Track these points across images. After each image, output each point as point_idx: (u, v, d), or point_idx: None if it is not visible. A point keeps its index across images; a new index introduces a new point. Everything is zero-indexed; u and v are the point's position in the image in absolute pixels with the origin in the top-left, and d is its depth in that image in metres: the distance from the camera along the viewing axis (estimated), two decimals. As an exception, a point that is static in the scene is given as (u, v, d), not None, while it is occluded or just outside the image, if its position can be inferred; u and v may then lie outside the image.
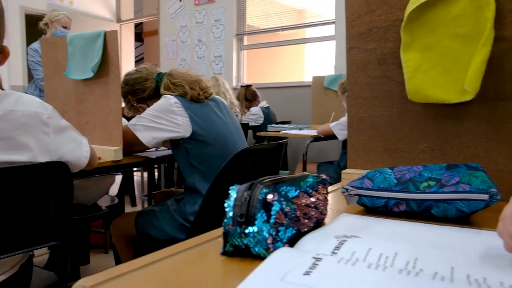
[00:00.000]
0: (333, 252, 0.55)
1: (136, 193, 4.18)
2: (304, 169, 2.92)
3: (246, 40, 5.41)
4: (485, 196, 0.68)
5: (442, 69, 0.90)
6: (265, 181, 0.60)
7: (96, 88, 1.68)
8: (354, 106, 1.07)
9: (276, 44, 5.25)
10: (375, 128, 1.04)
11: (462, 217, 0.72)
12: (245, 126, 3.62)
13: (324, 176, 0.74)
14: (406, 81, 0.94)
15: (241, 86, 4.31)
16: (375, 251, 0.56)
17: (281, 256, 0.50)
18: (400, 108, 1.00)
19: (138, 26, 8.36)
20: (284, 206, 0.58)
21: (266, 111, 4.11)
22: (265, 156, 1.71)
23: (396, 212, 0.77)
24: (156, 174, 4.17)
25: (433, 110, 0.96)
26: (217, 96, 1.85)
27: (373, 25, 1.01)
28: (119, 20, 6.85)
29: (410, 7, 0.91)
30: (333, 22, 4.47)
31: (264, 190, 0.56)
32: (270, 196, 0.56)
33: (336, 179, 2.84)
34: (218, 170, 1.49)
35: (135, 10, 7.13)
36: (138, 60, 8.50)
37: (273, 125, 3.67)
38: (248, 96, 4.22)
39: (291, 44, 5.21)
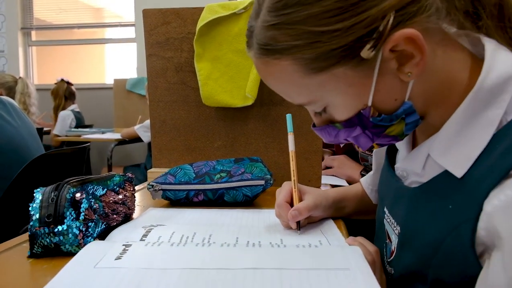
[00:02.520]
0: (141, 239, 0.62)
1: None
2: (109, 174, 2.85)
3: (34, 36, 4.87)
4: (261, 182, 0.86)
5: (228, 78, 1.07)
6: (72, 181, 0.62)
7: None
8: (156, 109, 1.15)
9: (72, 42, 4.89)
10: (176, 129, 1.15)
11: (248, 201, 0.89)
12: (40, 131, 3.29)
13: (129, 174, 0.80)
14: (200, 87, 1.07)
15: (62, 80, 3.78)
16: (178, 234, 0.65)
17: (92, 248, 0.54)
18: (197, 111, 1.13)
19: None
20: (92, 203, 0.62)
21: (78, 116, 3.77)
22: (67, 162, 1.63)
23: (196, 202, 0.88)
24: None
25: (223, 113, 1.12)
26: (3, 97, 1.66)
27: (169, 36, 1.11)
28: None
29: (200, 23, 1.05)
30: (133, 25, 4.46)
31: (72, 190, 0.59)
32: (78, 195, 0.59)
33: (144, 182, 2.87)
34: (9, 181, 1.35)
35: None
36: None
37: (72, 129, 3.43)
38: (67, 94, 3.76)
39: (89, 44, 4.94)
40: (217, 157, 1.13)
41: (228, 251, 0.53)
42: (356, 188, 0.83)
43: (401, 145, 0.59)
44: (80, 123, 3.69)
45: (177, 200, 0.89)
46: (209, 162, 0.94)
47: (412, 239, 0.52)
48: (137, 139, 2.96)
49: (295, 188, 0.70)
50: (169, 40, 1.11)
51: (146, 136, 2.86)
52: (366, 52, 0.42)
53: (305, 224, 0.71)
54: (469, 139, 0.44)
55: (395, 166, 0.58)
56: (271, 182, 0.87)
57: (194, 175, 0.89)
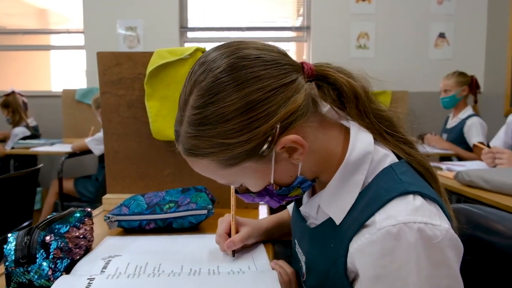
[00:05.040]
0: (102, 271, 0.75)
1: None
2: (60, 187, 2.87)
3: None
4: (205, 211, 1.01)
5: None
6: (40, 225, 0.74)
7: None
8: (110, 141, 1.26)
9: (17, 48, 4.76)
10: (129, 159, 1.27)
11: (194, 226, 1.03)
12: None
13: (88, 209, 0.92)
14: (150, 123, 1.20)
15: (14, 92, 3.56)
16: (133, 264, 0.78)
17: (61, 283, 0.66)
18: (148, 143, 1.26)
19: None
20: (59, 243, 0.74)
21: (35, 132, 3.66)
22: (19, 184, 1.69)
23: (148, 229, 1.02)
24: None
25: (172, 144, 1.25)
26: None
27: (122, 76, 1.23)
28: None
29: (150, 67, 1.18)
30: (82, 32, 4.43)
31: (42, 233, 0.71)
32: (48, 238, 0.71)
33: (96, 194, 2.92)
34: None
35: None
36: None
37: (19, 141, 3.38)
38: (22, 106, 3.57)
39: (37, 50, 4.83)
40: (167, 183, 1.26)
41: (174, 280, 0.68)
42: (284, 215, 1.00)
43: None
44: (35, 137, 3.63)
45: (131, 228, 1.01)
46: (159, 193, 1.07)
47: (312, 266, 0.69)
48: (88, 151, 2.99)
49: (233, 221, 0.86)
50: (121, 79, 1.23)
51: (97, 149, 2.90)
52: (263, 151, 0.58)
53: (240, 250, 0.87)
54: (344, 196, 0.62)
55: (300, 208, 0.75)
56: (213, 211, 1.02)
57: (146, 206, 1.02)
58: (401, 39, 3.98)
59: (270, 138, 0.57)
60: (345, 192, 0.62)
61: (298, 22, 4.21)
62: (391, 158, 0.63)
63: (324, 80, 0.65)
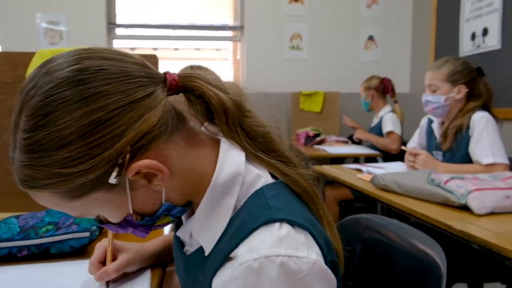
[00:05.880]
0: None
1: None
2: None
3: None
4: (87, 234, 0.89)
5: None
6: None
7: None
8: (-12, 153, 1.11)
9: None
10: (9, 173, 1.12)
11: (76, 250, 0.91)
12: None
13: None
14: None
15: None
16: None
17: None
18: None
19: None
20: None
21: None
22: None
23: (20, 257, 0.89)
24: None
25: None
26: None
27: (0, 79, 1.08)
28: None
29: (30, 69, 1.04)
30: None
31: None
32: None
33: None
34: None
35: None
36: None
37: None
38: None
39: None
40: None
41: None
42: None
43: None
44: None
45: (1, 257, 0.88)
46: (38, 214, 0.94)
47: None
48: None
49: (109, 247, 0.76)
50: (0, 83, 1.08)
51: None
52: (113, 180, 0.49)
53: (120, 277, 0.77)
54: (214, 223, 0.55)
55: (176, 232, 0.67)
56: (97, 233, 0.91)
57: (19, 230, 0.89)
58: (333, 40, 4.04)
59: (120, 163, 0.49)
60: (215, 218, 0.55)
61: (237, 22, 4.13)
62: (265, 179, 0.56)
63: (191, 92, 0.57)
